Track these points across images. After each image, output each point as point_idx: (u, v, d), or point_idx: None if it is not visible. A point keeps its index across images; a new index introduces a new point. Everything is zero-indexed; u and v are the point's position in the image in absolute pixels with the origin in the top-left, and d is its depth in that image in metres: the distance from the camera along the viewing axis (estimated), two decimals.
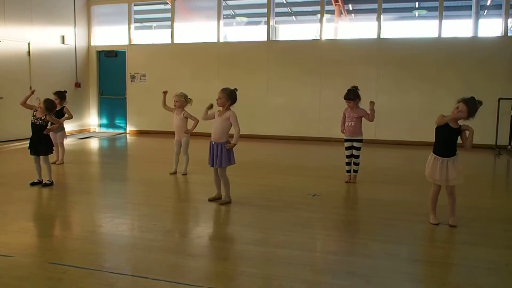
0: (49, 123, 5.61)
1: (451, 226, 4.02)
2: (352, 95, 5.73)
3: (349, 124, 5.80)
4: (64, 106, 7.17)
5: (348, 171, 5.94)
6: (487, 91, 9.17)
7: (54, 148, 6.04)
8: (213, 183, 4.92)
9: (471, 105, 3.89)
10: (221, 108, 4.70)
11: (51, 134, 5.87)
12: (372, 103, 5.68)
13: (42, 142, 5.47)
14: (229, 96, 4.62)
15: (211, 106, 4.76)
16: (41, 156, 5.51)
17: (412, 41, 10.20)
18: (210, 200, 4.85)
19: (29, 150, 5.54)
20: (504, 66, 9.41)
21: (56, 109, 5.75)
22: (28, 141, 5.60)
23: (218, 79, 10.83)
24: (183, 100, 6.27)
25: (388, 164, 7.93)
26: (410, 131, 9.91)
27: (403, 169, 7.34)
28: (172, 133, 6.48)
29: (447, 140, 3.99)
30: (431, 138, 4.16)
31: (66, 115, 7.17)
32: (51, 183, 5.56)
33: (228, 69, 10.90)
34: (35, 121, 5.47)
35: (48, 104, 5.46)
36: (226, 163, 4.68)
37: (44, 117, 5.45)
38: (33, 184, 5.55)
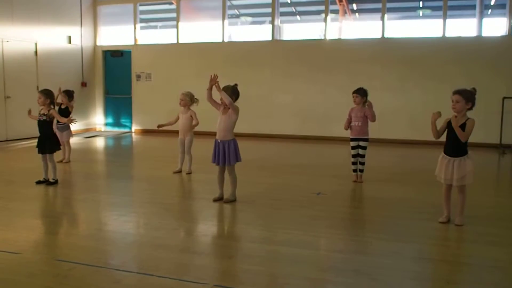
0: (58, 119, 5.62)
1: (456, 226, 4.02)
2: (362, 91, 5.78)
3: (356, 124, 5.80)
4: (71, 105, 7.20)
5: (355, 171, 5.93)
6: (492, 90, 9.15)
7: (61, 146, 6.08)
8: (216, 182, 4.92)
9: (464, 92, 3.93)
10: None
11: (57, 133, 5.91)
12: (369, 104, 5.77)
13: (48, 141, 5.50)
14: (232, 93, 4.66)
15: (215, 80, 4.55)
16: (47, 155, 5.54)
17: (417, 41, 10.18)
18: (215, 200, 4.85)
19: (37, 148, 5.58)
20: (509, 65, 9.36)
21: (54, 97, 5.77)
22: (37, 140, 5.64)
23: (223, 78, 10.69)
24: (188, 100, 6.28)
25: (392, 162, 7.93)
26: (414, 130, 9.88)
27: (408, 168, 7.32)
28: (178, 132, 6.49)
29: (452, 139, 3.99)
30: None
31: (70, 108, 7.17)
32: (56, 182, 5.59)
33: (233, 69, 10.89)
34: (40, 117, 5.52)
35: (45, 91, 5.53)
36: (234, 160, 4.70)
37: (47, 112, 5.49)
38: (39, 182, 5.58)
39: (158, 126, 6.38)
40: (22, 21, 10.14)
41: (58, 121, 5.86)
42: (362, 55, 10.25)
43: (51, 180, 5.58)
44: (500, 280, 2.99)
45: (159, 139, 10.83)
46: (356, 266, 3.15)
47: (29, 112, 5.74)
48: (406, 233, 3.88)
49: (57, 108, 6.70)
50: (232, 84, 4.75)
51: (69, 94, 7.19)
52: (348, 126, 5.87)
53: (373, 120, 5.77)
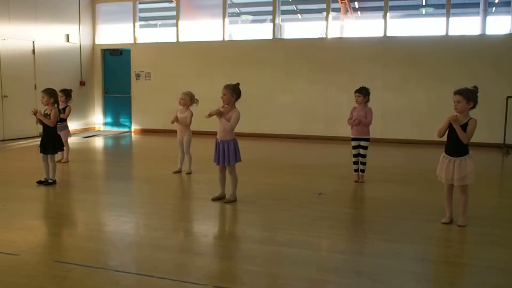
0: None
1: (459, 226, 3.98)
2: (364, 91, 5.75)
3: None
4: (68, 105, 7.16)
5: (356, 170, 5.90)
6: (495, 89, 9.11)
7: (64, 147, 6.07)
8: (217, 181, 4.91)
9: (465, 92, 3.90)
10: (226, 105, 4.67)
11: None
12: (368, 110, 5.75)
13: (50, 141, 5.47)
14: (233, 91, 4.62)
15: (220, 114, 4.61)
16: (48, 155, 5.50)
17: (419, 39, 10.13)
18: (214, 199, 4.83)
19: (39, 148, 5.54)
20: None
21: (57, 96, 5.72)
22: (39, 139, 5.60)
23: (224, 77, 10.70)
24: (188, 99, 6.25)
25: (394, 163, 7.89)
26: (417, 130, 9.85)
27: (410, 168, 7.29)
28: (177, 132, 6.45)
29: (453, 139, 3.96)
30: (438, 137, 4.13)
31: (64, 113, 7.08)
32: (54, 182, 5.55)
33: (234, 68, 10.88)
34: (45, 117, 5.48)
35: (48, 90, 5.49)
36: (234, 160, 4.67)
37: (50, 111, 5.45)
38: (39, 182, 5.54)
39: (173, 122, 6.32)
40: (19, 19, 10.07)
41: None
42: (364, 54, 10.20)
43: (49, 180, 5.54)
44: (503, 282, 2.96)
45: (158, 139, 10.80)
46: (358, 267, 3.12)
47: (37, 112, 5.62)
48: (408, 234, 3.85)
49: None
50: (233, 83, 4.70)
51: (66, 93, 7.14)
52: (352, 123, 5.81)
53: (368, 123, 5.75)
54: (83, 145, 9.70)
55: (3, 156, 8.21)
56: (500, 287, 2.89)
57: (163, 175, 6.28)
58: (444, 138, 4.08)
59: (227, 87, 4.63)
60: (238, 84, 4.69)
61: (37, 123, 5.61)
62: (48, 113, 5.46)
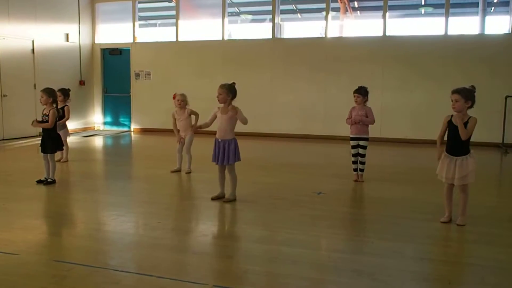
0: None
1: (458, 225, 3.99)
2: (363, 91, 5.76)
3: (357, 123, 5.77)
4: (66, 105, 7.14)
5: (355, 170, 5.90)
6: (494, 89, 9.12)
7: (64, 147, 6.07)
8: (216, 181, 4.91)
9: (462, 91, 3.91)
10: (222, 105, 4.68)
11: None
12: (368, 109, 5.76)
13: (49, 140, 5.47)
14: (229, 91, 4.62)
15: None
16: (48, 154, 5.51)
17: (418, 39, 10.13)
18: (213, 199, 4.83)
19: (40, 147, 5.55)
20: (511, 63, 9.33)
21: (56, 96, 5.72)
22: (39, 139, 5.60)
23: (223, 76, 10.74)
24: (187, 100, 6.31)
25: (393, 162, 7.90)
26: (416, 129, 9.86)
27: (409, 167, 7.29)
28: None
29: (453, 139, 3.96)
30: (437, 136, 4.13)
31: (64, 117, 7.07)
32: (53, 181, 5.55)
33: (233, 67, 10.88)
34: (43, 118, 5.49)
35: (47, 90, 5.49)
36: (233, 159, 4.67)
37: (48, 112, 5.45)
38: (39, 181, 5.54)
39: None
40: (19, 18, 10.06)
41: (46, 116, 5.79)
42: (363, 54, 10.21)
43: (49, 180, 5.54)
44: (502, 281, 2.96)
45: (158, 138, 10.80)
46: (357, 266, 3.12)
47: (33, 122, 5.59)
48: (407, 233, 3.86)
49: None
50: (229, 82, 4.71)
51: (64, 92, 7.12)
52: (351, 122, 5.82)
53: (371, 122, 5.76)
54: (83, 145, 9.70)
55: (2, 155, 8.21)
56: (499, 286, 2.89)
57: (162, 175, 6.28)
58: (445, 138, 4.09)
59: (223, 86, 4.63)
60: (233, 83, 4.69)
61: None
62: (47, 113, 5.46)
